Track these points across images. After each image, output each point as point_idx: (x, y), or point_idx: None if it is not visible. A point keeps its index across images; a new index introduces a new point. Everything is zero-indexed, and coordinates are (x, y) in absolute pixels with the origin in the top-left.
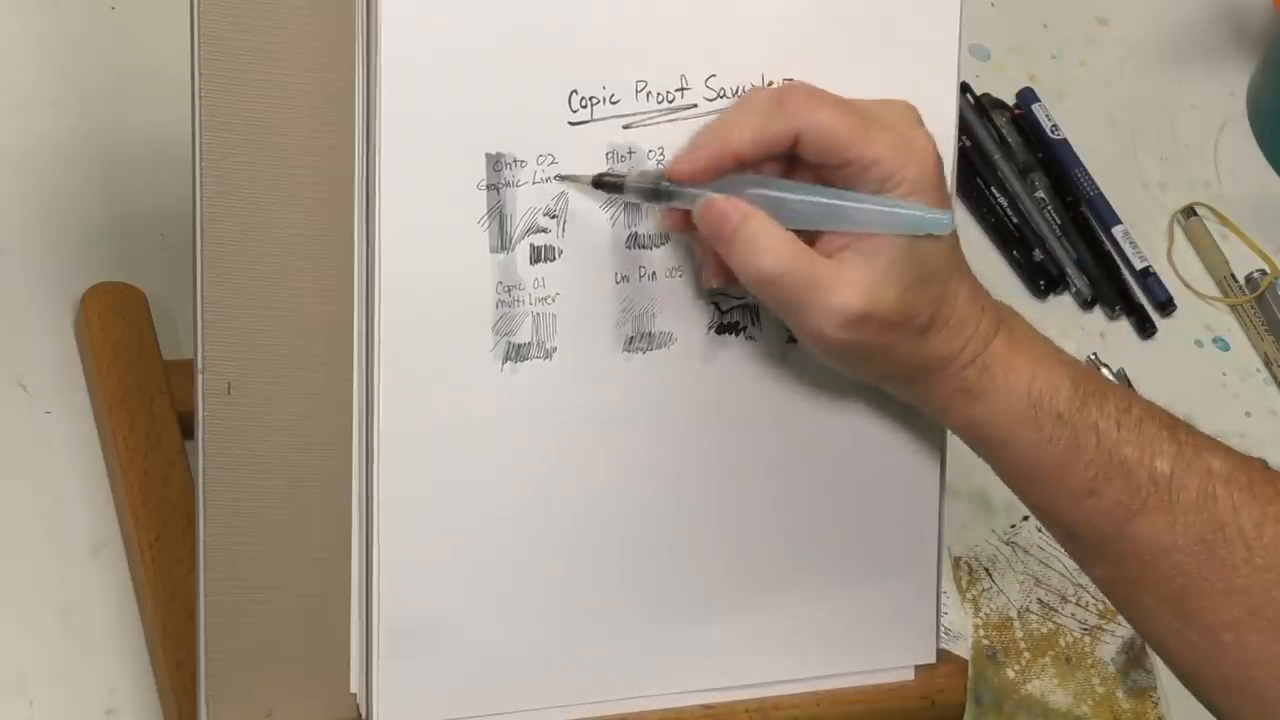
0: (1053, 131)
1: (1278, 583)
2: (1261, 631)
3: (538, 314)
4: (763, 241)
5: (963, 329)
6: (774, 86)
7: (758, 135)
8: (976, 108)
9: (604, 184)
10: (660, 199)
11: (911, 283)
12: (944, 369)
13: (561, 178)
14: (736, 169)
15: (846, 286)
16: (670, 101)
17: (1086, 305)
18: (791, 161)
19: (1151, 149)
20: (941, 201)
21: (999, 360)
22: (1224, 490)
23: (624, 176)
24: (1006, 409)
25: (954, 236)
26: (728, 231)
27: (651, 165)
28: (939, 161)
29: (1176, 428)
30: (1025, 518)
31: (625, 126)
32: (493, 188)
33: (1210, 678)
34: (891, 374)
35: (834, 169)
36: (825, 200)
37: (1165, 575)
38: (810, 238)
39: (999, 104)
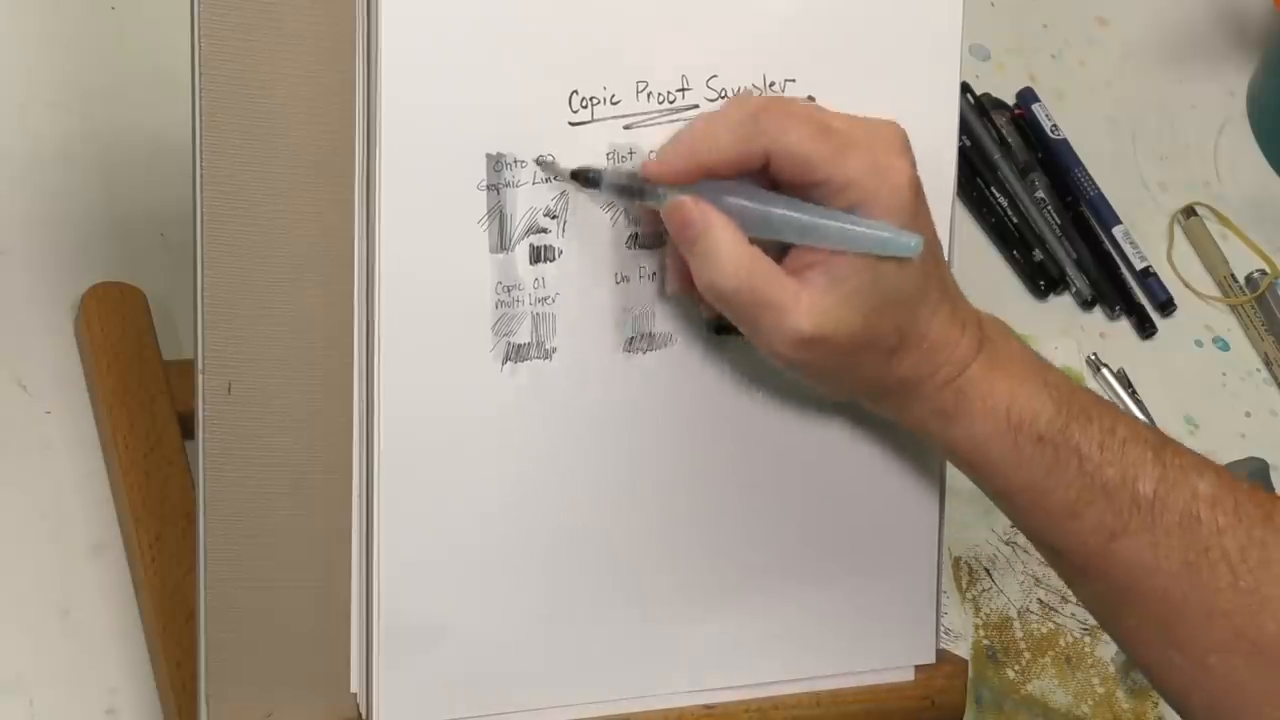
0: (1053, 131)
1: (1262, 607)
2: (1245, 655)
3: (537, 314)
4: (722, 253)
5: (937, 352)
6: (757, 97)
7: (728, 153)
8: (976, 108)
9: (581, 178)
10: (635, 196)
11: (877, 306)
12: (917, 390)
13: (540, 162)
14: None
15: (802, 310)
16: (671, 102)
17: (1086, 305)
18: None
19: (1151, 149)
20: (914, 226)
21: (976, 384)
22: (1209, 512)
23: (601, 171)
24: (984, 432)
25: (935, 257)
26: (690, 237)
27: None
28: (915, 188)
29: (1164, 449)
30: None
31: (626, 127)
32: (493, 188)
33: (1196, 701)
34: (859, 391)
35: (806, 189)
36: (793, 214)
37: (1149, 597)
38: (782, 249)
39: (999, 104)
